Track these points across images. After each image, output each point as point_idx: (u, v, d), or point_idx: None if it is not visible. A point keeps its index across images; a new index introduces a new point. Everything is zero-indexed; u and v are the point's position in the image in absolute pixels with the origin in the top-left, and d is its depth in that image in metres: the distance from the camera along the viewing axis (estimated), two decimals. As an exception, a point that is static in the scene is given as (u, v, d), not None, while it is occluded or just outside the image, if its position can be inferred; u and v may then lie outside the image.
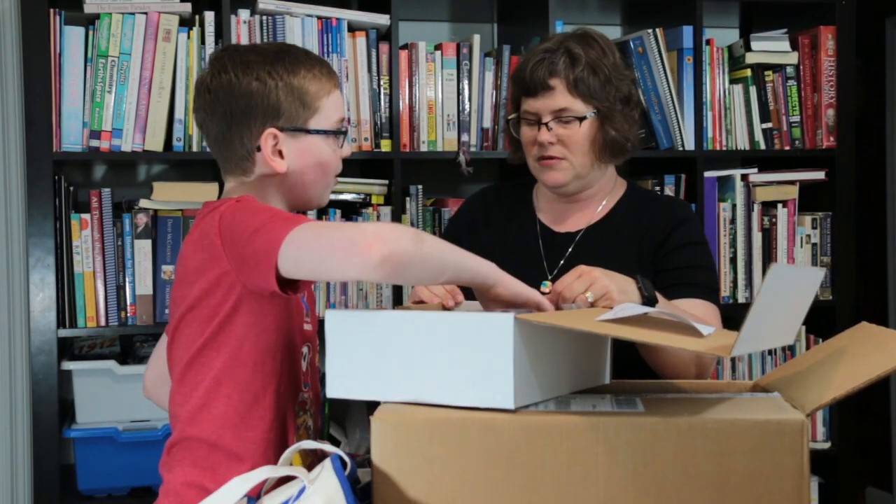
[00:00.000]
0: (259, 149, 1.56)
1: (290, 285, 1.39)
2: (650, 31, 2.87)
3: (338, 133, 1.60)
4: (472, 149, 2.80)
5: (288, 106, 1.56)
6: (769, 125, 3.01)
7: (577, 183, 1.90)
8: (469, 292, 1.51)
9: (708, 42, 2.94)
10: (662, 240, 1.88)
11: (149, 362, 1.79)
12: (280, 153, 1.57)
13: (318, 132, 1.58)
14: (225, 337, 1.48)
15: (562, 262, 1.90)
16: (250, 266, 1.41)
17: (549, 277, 1.89)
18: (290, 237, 1.34)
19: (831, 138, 3.01)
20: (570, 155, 1.86)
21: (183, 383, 1.52)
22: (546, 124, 1.85)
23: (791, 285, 1.25)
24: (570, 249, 1.92)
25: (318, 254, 1.33)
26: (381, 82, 2.73)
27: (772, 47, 2.99)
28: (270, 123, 1.56)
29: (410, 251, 1.29)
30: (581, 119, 1.85)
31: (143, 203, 2.61)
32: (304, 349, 1.57)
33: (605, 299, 1.53)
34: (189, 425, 1.51)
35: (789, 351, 3.02)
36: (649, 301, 1.61)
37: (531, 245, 1.94)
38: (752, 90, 3.00)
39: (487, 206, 2.04)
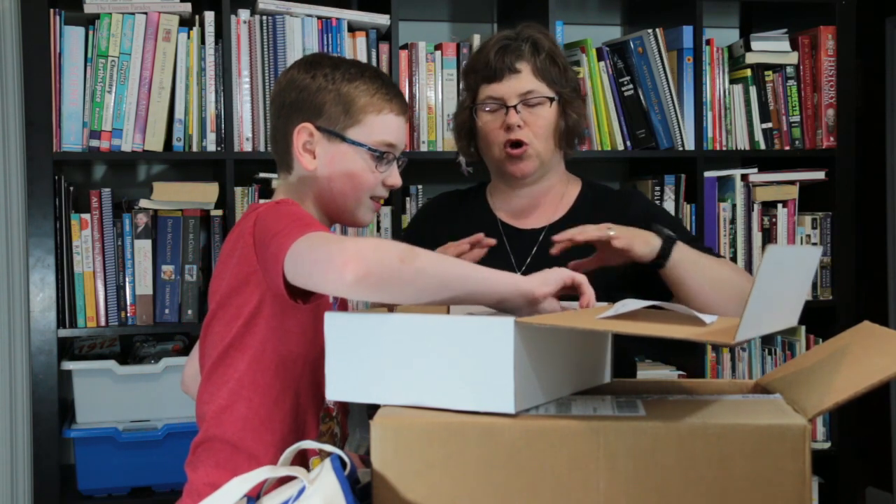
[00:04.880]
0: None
1: (302, 293, 1.39)
2: (650, 31, 2.86)
3: (375, 152, 1.60)
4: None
5: (330, 108, 1.58)
6: (769, 125, 3.01)
7: (540, 171, 1.93)
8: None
9: (708, 42, 2.94)
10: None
11: (188, 358, 1.81)
12: (313, 154, 1.59)
13: (353, 143, 1.58)
14: (250, 338, 1.51)
15: (529, 259, 1.91)
16: (267, 270, 1.43)
17: (519, 273, 1.89)
18: (293, 247, 1.35)
19: (831, 138, 3.01)
20: (535, 140, 1.89)
21: (210, 382, 1.55)
22: (514, 107, 1.86)
23: (789, 266, 1.25)
24: (537, 245, 1.93)
25: (307, 268, 1.33)
26: (381, 82, 2.72)
27: (772, 47, 2.99)
28: (310, 120, 1.59)
29: (393, 269, 1.26)
30: (550, 100, 1.89)
31: (143, 203, 2.61)
32: None
33: (620, 239, 1.67)
34: (213, 425, 1.54)
35: (790, 350, 3.02)
36: (669, 239, 1.75)
37: (497, 244, 1.94)
38: (752, 90, 3.00)
39: (444, 212, 2.04)
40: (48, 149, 2.52)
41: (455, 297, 1.34)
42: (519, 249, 1.92)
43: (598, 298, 1.50)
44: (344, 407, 1.63)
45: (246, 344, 1.51)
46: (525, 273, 1.86)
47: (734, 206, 2.96)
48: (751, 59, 2.97)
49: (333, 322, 1.32)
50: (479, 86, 1.92)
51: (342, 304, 1.66)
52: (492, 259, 1.90)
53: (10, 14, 2.78)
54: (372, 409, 1.27)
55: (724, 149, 2.97)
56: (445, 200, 2.08)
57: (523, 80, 1.88)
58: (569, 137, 1.95)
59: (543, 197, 1.96)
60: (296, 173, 1.63)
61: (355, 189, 1.61)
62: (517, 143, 1.88)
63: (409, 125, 2.76)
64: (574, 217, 1.95)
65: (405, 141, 1.67)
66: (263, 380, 1.51)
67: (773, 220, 2.99)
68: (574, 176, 2.02)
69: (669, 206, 2.88)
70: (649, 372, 2.87)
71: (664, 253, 1.75)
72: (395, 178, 1.65)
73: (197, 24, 2.62)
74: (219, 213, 2.64)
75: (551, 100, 1.89)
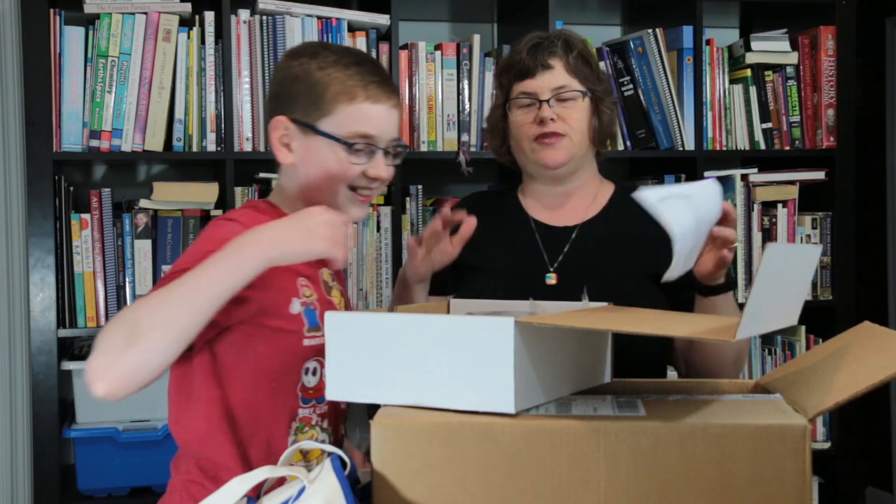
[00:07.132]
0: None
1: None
2: (650, 31, 2.86)
3: (347, 144, 1.52)
4: (472, 149, 2.80)
5: (303, 99, 1.54)
6: (769, 125, 3.01)
7: (572, 164, 1.92)
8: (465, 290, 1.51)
9: (708, 42, 2.94)
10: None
11: None
12: (290, 147, 1.57)
13: (324, 135, 1.53)
14: (206, 351, 1.48)
15: (561, 256, 1.91)
16: None
17: (552, 269, 1.89)
18: (130, 306, 1.34)
19: (831, 138, 3.01)
20: (571, 131, 1.88)
21: (172, 391, 1.56)
22: (547, 101, 1.86)
23: (789, 264, 1.25)
24: (569, 242, 1.93)
25: None
26: (381, 82, 2.72)
27: (772, 47, 2.99)
28: (286, 112, 1.55)
29: (125, 361, 1.25)
30: (583, 94, 1.89)
31: (143, 203, 2.61)
32: (311, 364, 1.54)
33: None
34: (182, 435, 1.54)
35: (790, 350, 3.02)
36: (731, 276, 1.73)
37: (529, 241, 1.95)
38: (752, 90, 3.00)
39: (474, 210, 2.04)
40: (48, 149, 2.52)
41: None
42: (551, 246, 1.93)
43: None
44: (336, 412, 1.61)
45: (203, 357, 1.49)
46: (557, 270, 1.88)
47: (734, 206, 2.96)
48: (751, 59, 2.97)
49: (333, 322, 1.32)
50: (512, 84, 1.92)
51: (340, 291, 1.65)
52: (525, 257, 1.92)
53: (10, 14, 2.78)
54: (372, 409, 1.27)
55: (724, 149, 2.97)
56: (476, 199, 2.09)
57: (556, 76, 1.88)
58: (602, 136, 1.95)
59: (576, 195, 1.97)
60: (282, 168, 1.61)
61: (329, 182, 1.54)
62: (550, 135, 1.87)
63: (409, 125, 2.76)
64: (607, 216, 1.95)
65: (391, 129, 1.57)
66: (220, 393, 1.49)
67: (773, 220, 2.99)
68: (607, 180, 2.03)
69: (669, 206, 2.88)
70: (649, 372, 2.87)
71: (722, 288, 1.71)
72: (379, 170, 1.56)
73: (197, 24, 2.62)
74: (219, 213, 2.64)
75: (584, 95, 1.89)
